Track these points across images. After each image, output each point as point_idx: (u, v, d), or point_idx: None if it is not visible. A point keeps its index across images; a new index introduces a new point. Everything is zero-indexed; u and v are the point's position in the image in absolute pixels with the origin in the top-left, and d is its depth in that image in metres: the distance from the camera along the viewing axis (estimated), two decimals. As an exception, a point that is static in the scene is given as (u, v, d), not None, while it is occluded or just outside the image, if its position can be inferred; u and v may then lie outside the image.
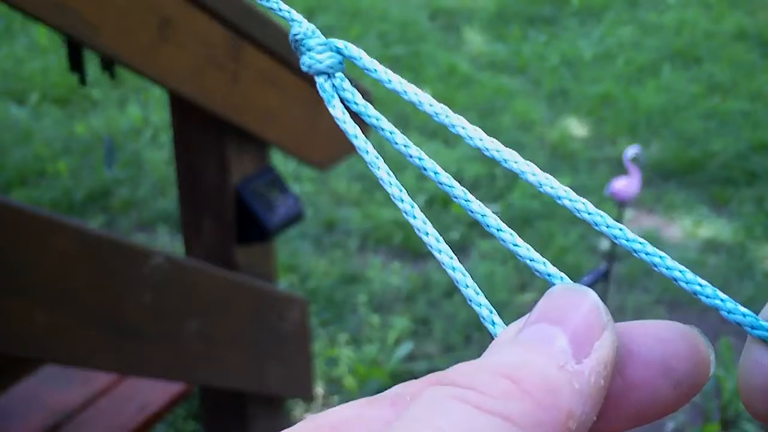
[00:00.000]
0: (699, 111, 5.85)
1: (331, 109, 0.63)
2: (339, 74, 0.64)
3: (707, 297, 0.54)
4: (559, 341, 0.38)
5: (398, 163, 5.00)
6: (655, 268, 0.55)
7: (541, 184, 0.59)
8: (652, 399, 0.41)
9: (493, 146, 0.60)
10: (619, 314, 4.00)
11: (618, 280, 4.28)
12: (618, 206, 3.91)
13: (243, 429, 2.70)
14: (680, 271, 0.55)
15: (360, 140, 0.62)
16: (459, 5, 7.45)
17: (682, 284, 0.54)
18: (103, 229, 4.07)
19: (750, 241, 4.59)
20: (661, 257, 0.56)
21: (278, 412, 2.84)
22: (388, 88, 0.63)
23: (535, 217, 4.75)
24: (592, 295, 0.41)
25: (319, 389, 3.51)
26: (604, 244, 4.52)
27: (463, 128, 0.61)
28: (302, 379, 2.84)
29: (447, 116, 0.61)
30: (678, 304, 4.17)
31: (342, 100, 0.63)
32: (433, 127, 5.56)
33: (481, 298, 0.57)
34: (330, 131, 2.61)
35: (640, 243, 0.57)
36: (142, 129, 5.35)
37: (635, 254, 0.57)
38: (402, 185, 0.62)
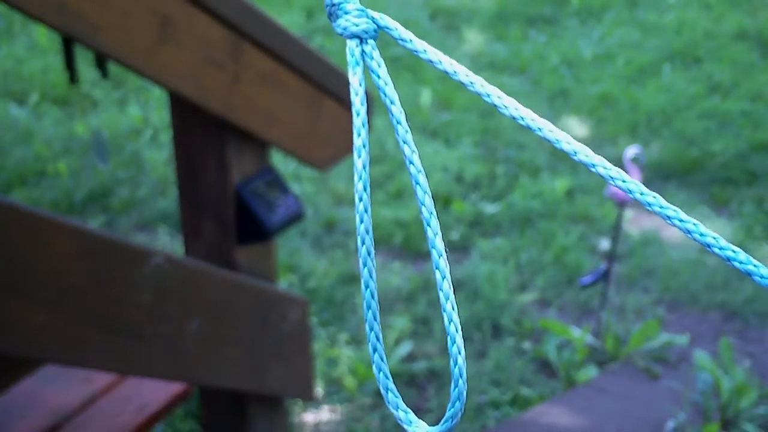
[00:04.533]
0: (699, 111, 5.87)
1: (351, 75, 0.68)
2: (371, 42, 0.69)
3: (741, 263, 0.61)
4: None
5: (400, 161, 5.01)
6: (689, 235, 0.61)
7: (575, 152, 0.65)
8: None
9: (528, 115, 0.67)
10: (619, 314, 4.04)
11: (618, 280, 4.29)
12: (618, 207, 3.88)
13: (242, 429, 2.69)
14: (714, 238, 0.62)
15: (360, 119, 0.68)
16: (459, 5, 7.47)
17: (716, 250, 0.60)
18: (103, 229, 4.08)
19: (750, 241, 4.60)
20: (695, 224, 0.62)
21: (278, 413, 2.84)
22: (423, 59, 0.69)
23: (536, 217, 4.76)
24: None
25: (319, 389, 3.53)
26: (604, 244, 4.54)
27: (499, 98, 0.68)
28: (302, 379, 2.83)
29: (482, 86, 0.69)
30: (678, 304, 4.18)
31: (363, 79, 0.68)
32: (434, 127, 5.59)
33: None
34: (330, 131, 2.62)
35: (674, 210, 0.63)
36: (142, 129, 5.36)
37: (669, 221, 0.63)
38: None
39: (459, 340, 0.64)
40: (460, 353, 0.64)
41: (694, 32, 6.96)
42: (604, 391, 3.60)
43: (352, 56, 0.68)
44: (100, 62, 2.23)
